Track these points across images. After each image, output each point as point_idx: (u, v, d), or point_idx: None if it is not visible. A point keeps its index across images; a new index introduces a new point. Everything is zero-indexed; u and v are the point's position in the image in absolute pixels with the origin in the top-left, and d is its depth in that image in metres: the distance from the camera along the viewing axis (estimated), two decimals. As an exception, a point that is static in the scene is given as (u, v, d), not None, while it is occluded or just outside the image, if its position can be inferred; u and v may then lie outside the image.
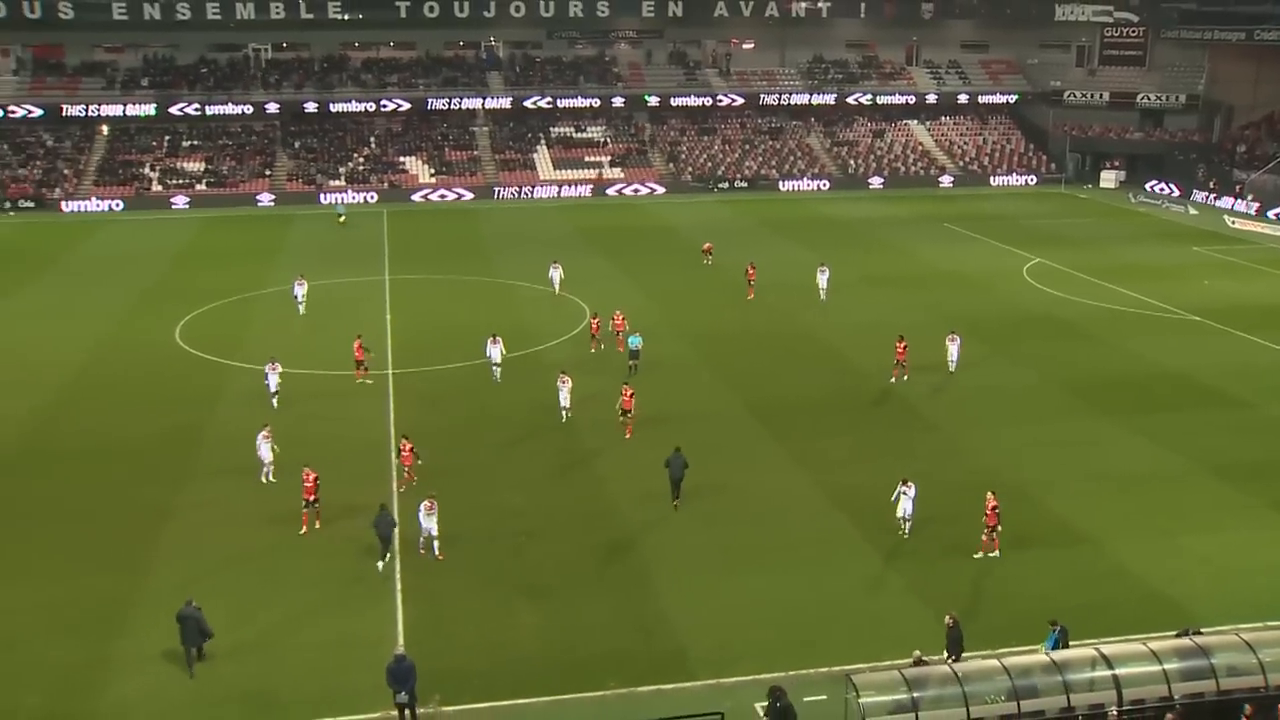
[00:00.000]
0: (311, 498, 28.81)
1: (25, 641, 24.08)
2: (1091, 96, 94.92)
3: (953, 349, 41.17)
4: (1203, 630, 22.23)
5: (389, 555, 27.37)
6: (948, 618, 22.53)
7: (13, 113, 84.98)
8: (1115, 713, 19.85)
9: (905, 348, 40.28)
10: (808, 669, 22.85)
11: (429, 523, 27.15)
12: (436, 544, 27.22)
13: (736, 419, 37.46)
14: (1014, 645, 22.43)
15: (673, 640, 24.15)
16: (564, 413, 36.50)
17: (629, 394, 35.33)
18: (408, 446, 31.30)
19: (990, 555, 27.45)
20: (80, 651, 23.67)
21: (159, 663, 23.25)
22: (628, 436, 35.04)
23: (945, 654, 22.22)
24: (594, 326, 44.66)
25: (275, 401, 37.37)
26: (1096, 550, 28.25)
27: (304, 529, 28.75)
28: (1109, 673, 20.46)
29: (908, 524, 28.24)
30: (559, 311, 49.57)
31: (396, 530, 27.58)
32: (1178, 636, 21.81)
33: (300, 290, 50.22)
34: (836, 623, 24.82)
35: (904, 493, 28.07)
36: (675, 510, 30.43)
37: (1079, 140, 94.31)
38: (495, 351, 40.17)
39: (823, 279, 51.95)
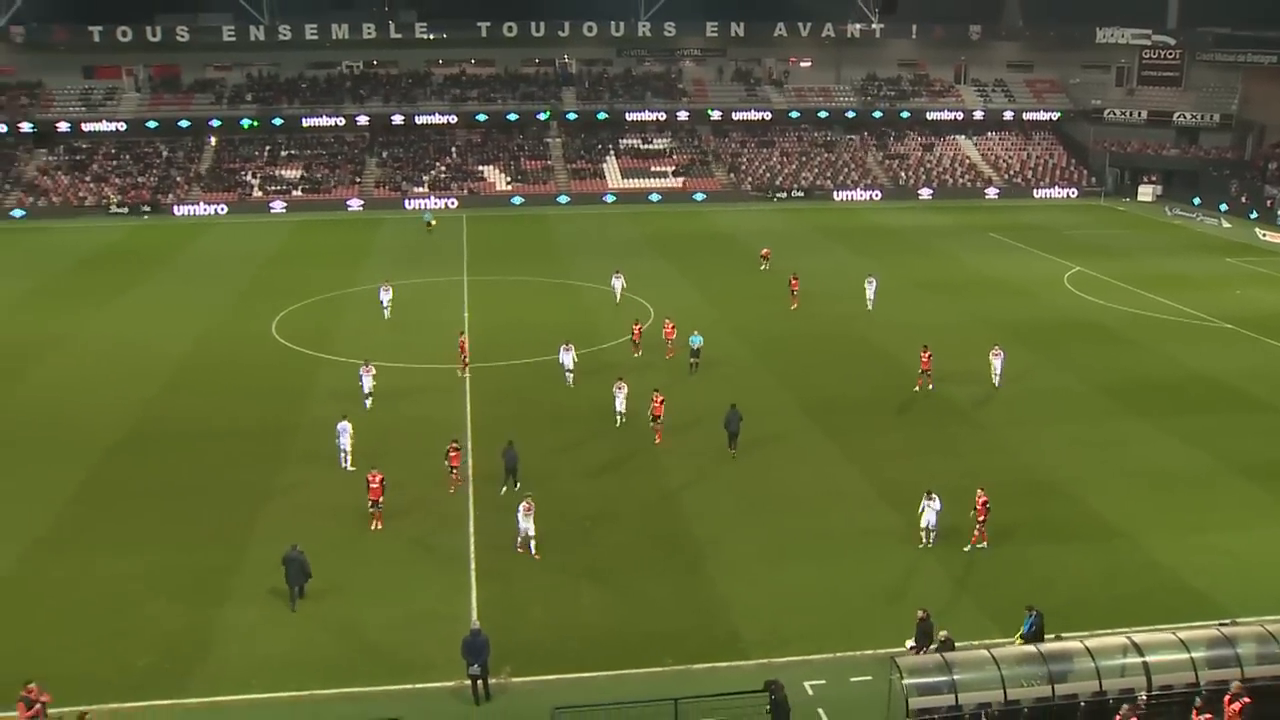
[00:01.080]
0: (378, 498, 28.14)
1: (137, 605, 24.78)
2: (1130, 115, 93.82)
3: (997, 363, 39.64)
4: (1238, 621, 21.91)
5: (511, 484, 30.42)
6: (920, 611, 22.15)
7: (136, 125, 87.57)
8: (1144, 697, 19.62)
9: (930, 356, 39.37)
10: (853, 652, 22.82)
11: (527, 523, 26.66)
12: (534, 544, 26.74)
13: (789, 415, 37.35)
14: (1050, 632, 22.16)
15: (726, 622, 24.21)
16: (619, 417, 35.66)
17: (659, 400, 34.24)
18: (454, 449, 30.70)
19: (979, 547, 27.22)
20: (185, 616, 24.30)
21: (257, 627, 23.88)
22: (657, 442, 34.27)
23: (913, 643, 22.00)
24: (636, 333, 43.54)
25: (369, 403, 36.83)
26: (1130, 544, 27.91)
27: (374, 525, 28.28)
28: (1139, 660, 20.30)
29: (932, 534, 27.41)
30: (623, 312, 49.50)
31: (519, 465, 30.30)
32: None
33: (386, 295, 49.55)
34: (881, 609, 24.71)
35: (929, 505, 27.35)
36: (733, 459, 32.89)
37: (1118, 156, 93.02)
38: (568, 358, 39.67)
39: (870, 289, 50.90)
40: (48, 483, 31.42)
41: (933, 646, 21.43)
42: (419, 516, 29.15)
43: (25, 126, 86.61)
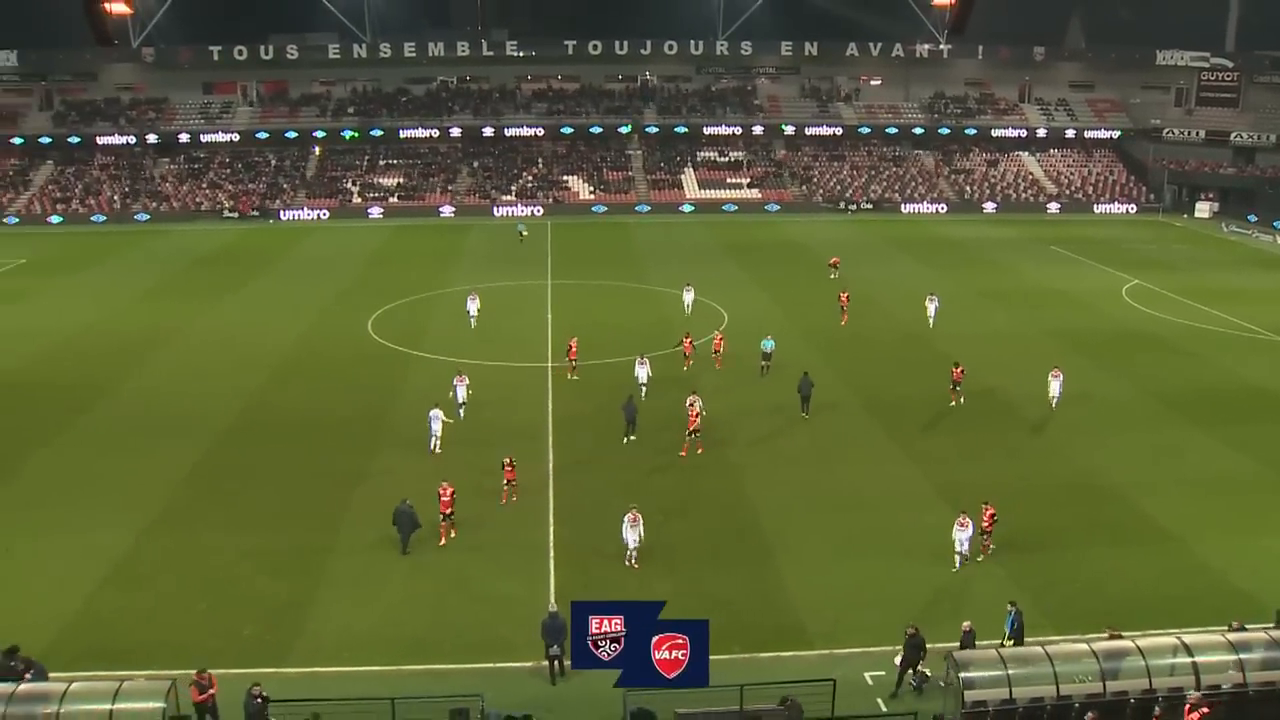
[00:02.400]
0: (448, 511, 27.06)
1: (243, 580, 25.36)
2: (1188, 134, 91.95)
3: (1055, 385, 37.08)
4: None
5: (630, 434, 33.15)
6: (909, 628, 21.18)
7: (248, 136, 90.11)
8: (1194, 696, 19.14)
9: (962, 371, 37.90)
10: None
11: (631, 535, 25.81)
12: (635, 554, 25.85)
13: (854, 416, 36.99)
14: (1102, 631, 21.68)
15: (791, 613, 24.06)
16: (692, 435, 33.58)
17: (695, 412, 32.92)
18: (510, 463, 29.34)
19: (979, 560, 26.12)
20: (286, 592, 24.82)
21: (350, 605, 24.27)
22: (683, 455, 32.75)
23: (899, 661, 21.24)
24: (687, 346, 41.66)
25: (462, 412, 35.29)
26: (1183, 547, 27.30)
27: (442, 540, 27.02)
28: (1189, 659, 19.83)
29: (959, 558, 25.85)
30: (696, 317, 49.31)
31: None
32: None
33: (473, 305, 48.07)
34: (940, 605, 24.30)
35: (960, 532, 25.69)
36: (805, 420, 35.42)
37: (1176, 173, 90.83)
38: (643, 372, 37.75)
39: (931, 307, 48.33)
40: (164, 464, 32.30)
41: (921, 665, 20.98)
42: (502, 510, 29.34)
43: (151, 138, 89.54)
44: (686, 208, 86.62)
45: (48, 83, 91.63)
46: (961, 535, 25.80)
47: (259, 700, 18.70)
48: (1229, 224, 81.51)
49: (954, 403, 37.64)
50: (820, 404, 37.35)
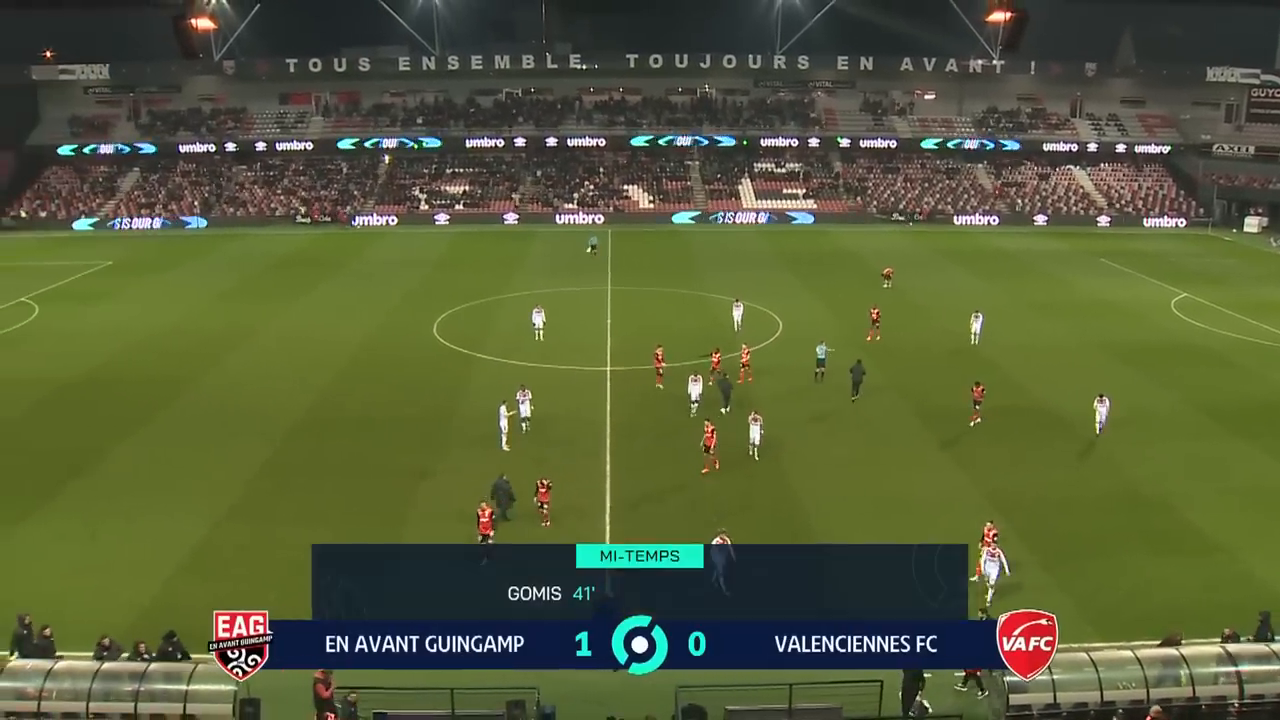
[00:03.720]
0: (488, 533, 26.47)
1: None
2: (1238, 149, 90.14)
3: (1101, 411, 34.82)
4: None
5: (726, 405, 35.22)
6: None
7: (320, 145, 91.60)
8: (1237, 705, 18.74)
9: (983, 390, 35.90)
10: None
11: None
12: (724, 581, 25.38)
13: (905, 422, 36.68)
14: (1147, 639, 21.29)
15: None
16: (752, 448, 32.84)
17: (710, 430, 31.54)
18: (545, 484, 28.29)
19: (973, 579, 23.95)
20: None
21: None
22: (705, 472, 31.48)
23: (900, 693, 20.05)
24: (715, 361, 39.84)
25: (525, 427, 34.22)
26: (1228, 557, 26.75)
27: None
28: (1233, 669, 19.45)
29: (991, 592, 23.97)
30: (751, 323, 49.02)
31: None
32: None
33: (539, 318, 46.63)
34: (977, 605, 23.95)
35: (989, 558, 24.08)
36: (854, 404, 36.83)
37: (1226, 188, 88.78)
38: (695, 389, 36.51)
39: (976, 325, 46.27)
40: (238, 457, 32.99)
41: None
42: (560, 499, 29.42)
43: (230, 146, 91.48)
44: (742, 216, 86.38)
45: (135, 94, 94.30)
46: (991, 569, 24.01)
47: (352, 705, 19.13)
48: (1277, 238, 79.65)
49: (974, 421, 35.94)
50: (871, 412, 37.12)
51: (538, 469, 29.91)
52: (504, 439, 33.03)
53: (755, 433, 32.69)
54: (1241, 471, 32.51)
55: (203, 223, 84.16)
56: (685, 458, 32.91)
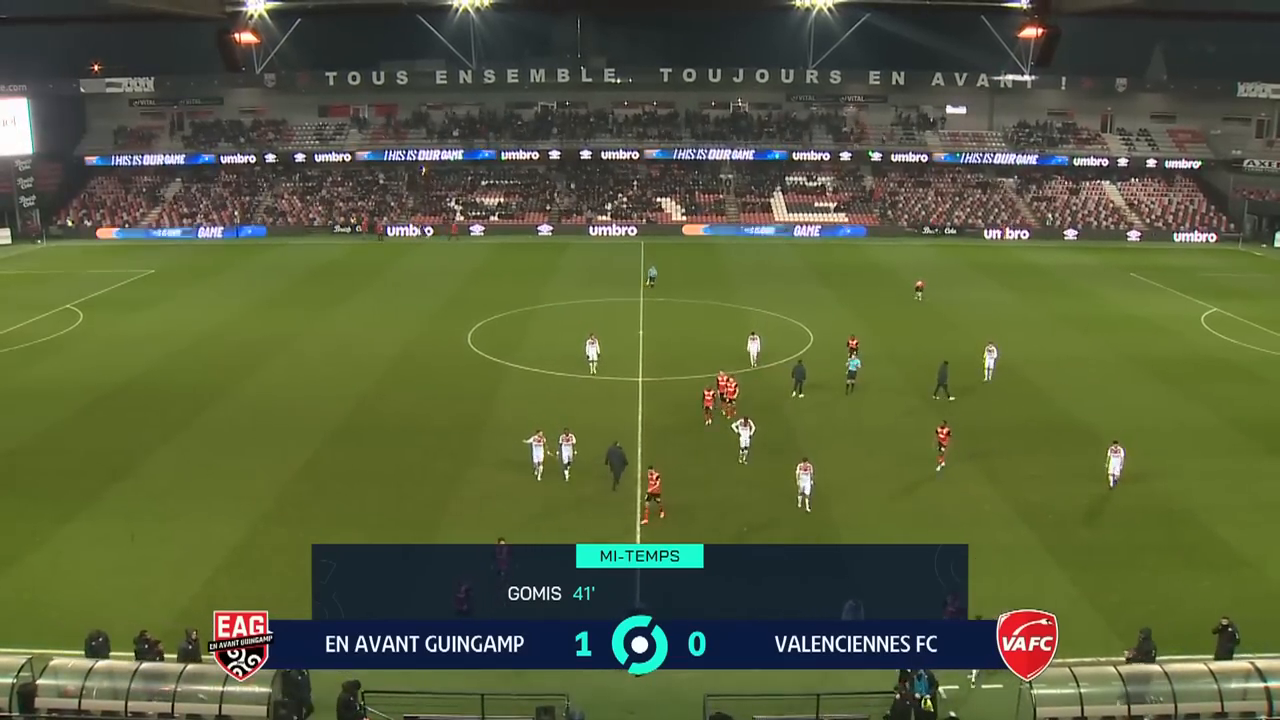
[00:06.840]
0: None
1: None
2: (1269, 165, 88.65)
3: (1115, 462, 31.64)
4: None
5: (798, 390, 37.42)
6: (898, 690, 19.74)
7: (359, 157, 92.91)
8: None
9: (949, 433, 33.20)
10: (989, 663, 22.05)
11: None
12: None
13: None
14: (1175, 653, 21.03)
15: (869, 627, 23.70)
16: (802, 499, 29.97)
17: (655, 477, 28.46)
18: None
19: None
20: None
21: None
22: (644, 522, 28.65)
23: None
24: (708, 399, 36.89)
25: (567, 474, 31.67)
26: (1256, 573, 26.42)
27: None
28: (1261, 684, 19.25)
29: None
30: (782, 335, 49.02)
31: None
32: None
33: (593, 350, 43.10)
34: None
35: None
36: (942, 401, 38.11)
37: (1257, 203, 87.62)
38: (745, 434, 34.30)
39: (990, 359, 42.68)
40: (276, 462, 33.36)
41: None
42: (598, 497, 29.51)
43: (269, 157, 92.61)
44: (769, 230, 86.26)
45: (179, 107, 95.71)
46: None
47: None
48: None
49: (939, 465, 33.01)
50: (905, 426, 36.90)
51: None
52: (538, 472, 31.63)
53: (806, 483, 29.84)
54: (1271, 487, 32.04)
55: (243, 232, 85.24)
56: (714, 466, 32.85)
